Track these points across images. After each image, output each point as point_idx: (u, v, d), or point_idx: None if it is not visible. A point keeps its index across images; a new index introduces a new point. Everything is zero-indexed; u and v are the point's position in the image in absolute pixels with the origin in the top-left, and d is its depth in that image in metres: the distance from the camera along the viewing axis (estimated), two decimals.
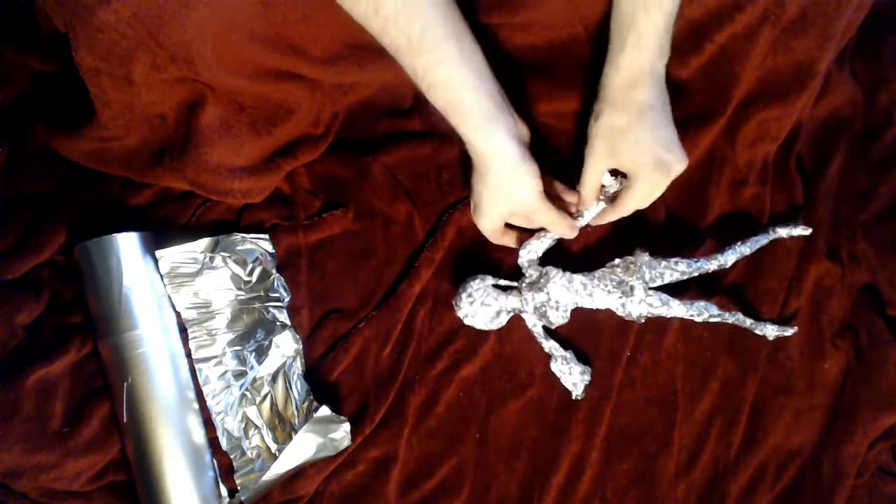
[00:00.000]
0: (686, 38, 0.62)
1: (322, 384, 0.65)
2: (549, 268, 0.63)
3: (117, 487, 0.61)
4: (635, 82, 0.55)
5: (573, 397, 0.65)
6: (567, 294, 0.62)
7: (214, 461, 0.61)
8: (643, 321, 0.63)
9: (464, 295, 0.63)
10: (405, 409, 0.65)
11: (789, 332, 0.65)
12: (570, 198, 0.64)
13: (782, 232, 0.66)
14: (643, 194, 0.59)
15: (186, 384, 0.61)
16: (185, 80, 0.55)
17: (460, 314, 0.63)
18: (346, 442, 0.62)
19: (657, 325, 0.67)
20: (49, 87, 0.63)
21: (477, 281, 0.63)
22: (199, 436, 0.60)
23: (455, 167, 0.67)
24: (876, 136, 0.72)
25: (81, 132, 0.58)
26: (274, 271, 0.65)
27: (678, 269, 0.63)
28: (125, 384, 0.58)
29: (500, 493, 0.65)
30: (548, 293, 0.62)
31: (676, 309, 0.62)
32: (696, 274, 0.64)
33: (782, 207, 0.69)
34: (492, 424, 0.66)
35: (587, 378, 0.64)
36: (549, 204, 0.59)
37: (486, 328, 0.64)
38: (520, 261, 0.64)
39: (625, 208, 0.61)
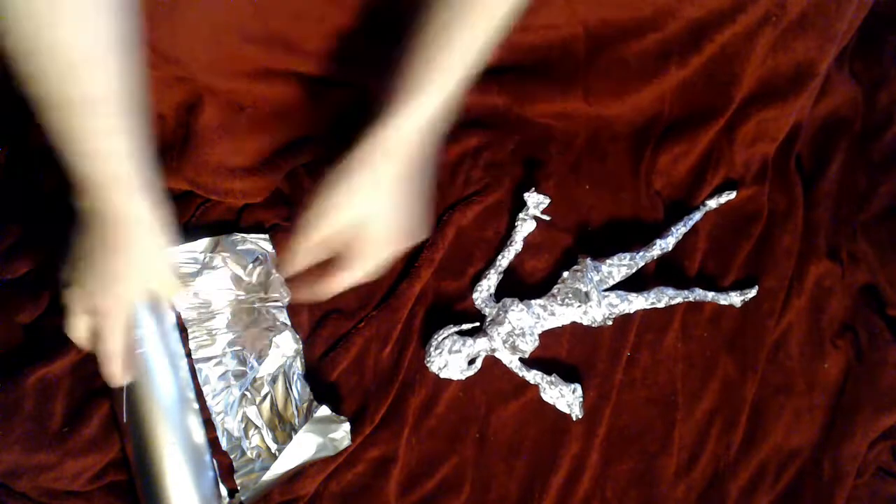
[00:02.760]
0: (686, 38, 0.62)
1: (322, 384, 0.65)
2: (504, 300, 0.64)
3: (117, 487, 0.61)
4: (415, 136, 0.49)
5: (574, 418, 0.65)
6: (529, 318, 0.63)
7: (214, 461, 0.61)
8: (610, 323, 0.64)
9: (432, 349, 0.63)
10: (405, 409, 0.65)
11: (753, 292, 0.67)
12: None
13: (711, 203, 0.68)
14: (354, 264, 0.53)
15: (186, 384, 0.60)
16: (184, 79, 0.55)
17: (433, 368, 0.63)
18: (346, 442, 0.62)
19: (657, 324, 0.67)
20: None
21: (441, 332, 0.63)
22: (199, 436, 0.60)
23: (455, 167, 0.67)
24: (876, 136, 0.72)
25: None
26: (274, 271, 0.65)
27: (624, 263, 0.65)
28: (125, 384, 0.58)
29: (500, 493, 0.65)
30: (510, 323, 0.62)
31: (637, 301, 0.64)
32: (642, 263, 0.65)
33: (782, 207, 0.69)
34: (492, 424, 0.66)
35: (580, 395, 0.64)
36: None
37: (462, 377, 0.63)
38: (476, 304, 0.65)
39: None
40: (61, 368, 0.59)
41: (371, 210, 0.50)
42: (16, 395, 0.56)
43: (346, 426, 0.62)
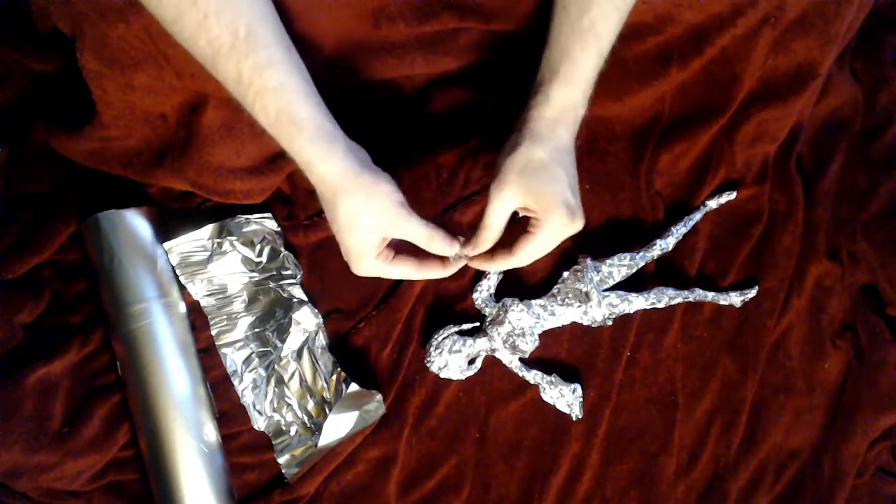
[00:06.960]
0: (686, 41, 0.62)
1: None
2: (505, 299, 0.64)
3: (117, 487, 0.61)
4: (562, 119, 0.52)
5: (574, 418, 0.65)
6: (529, 319, 0.63)
7: (226, 459, 0.61)
8: (610, 323, 0.64)
9: (432, 349, 0.63)
10: (405, 409, 0.65)
11: (753, 292, 0.67)
12: (447, 246, 0.54)
13: (711, 203, 0.68)
14: (548, 239, 0.53)
15: (198, 378, 0.61)
16: (186, 80, 0.55)
17: (433, 368, 0.63)
18: (381, 411, 0.63)
19: (657, 324, 0.67)
20: (49, 87, 0.63)
21: (441, 331, 0.63)
22: (212, 431, 0.60)
23: (455, 167, 0.67)
24: (876, 136, 0.72)
25: (82, 132, 0.58)
26: (282, 249, 0.65)
27: (624, 263, 0.65)
28: (139, 375, 0.58)
29: (500, 493, 0.65)
30: (510, 323, 0.62)
31: (637, 301, 0.64)
32: (642, 263, 0.65)
33: (782, 207, 0.69)
34: (492, 424, 0.66)
35: (580, 395, 0.64)
36: (417, 217, 0.52)
37: (462, 376, 0.64)
38: (476, 304, 0.65)
39: (526, 255, 0.54)
40: (61, 368, 0.59)
41: (559, 179, 0.51)
42: (16, 395, 0.56)
43: (378, 397, 0.63)
